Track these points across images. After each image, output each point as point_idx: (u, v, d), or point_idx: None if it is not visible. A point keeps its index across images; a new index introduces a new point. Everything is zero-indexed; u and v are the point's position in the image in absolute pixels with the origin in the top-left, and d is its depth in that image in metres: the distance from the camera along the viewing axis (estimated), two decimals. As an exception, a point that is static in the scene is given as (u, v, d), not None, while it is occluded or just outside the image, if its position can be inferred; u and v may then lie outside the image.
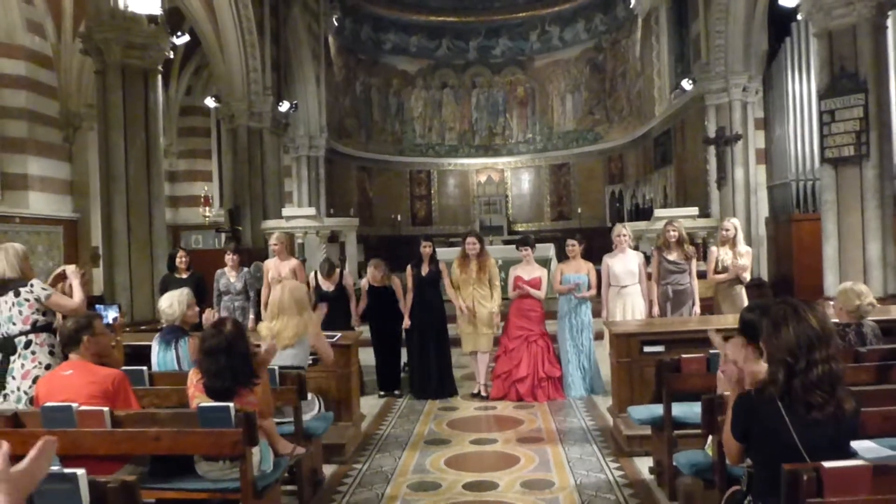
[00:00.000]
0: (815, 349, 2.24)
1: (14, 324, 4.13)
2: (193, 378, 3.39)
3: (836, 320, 4.25)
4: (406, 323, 7.24)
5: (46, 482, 2.11)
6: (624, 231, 7.16)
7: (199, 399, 3.29)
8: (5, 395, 4.11)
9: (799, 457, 2.22)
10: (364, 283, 7.61)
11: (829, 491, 2.08)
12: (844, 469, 2.11)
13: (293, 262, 7.53)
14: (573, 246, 7.25)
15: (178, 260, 7.47)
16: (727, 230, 6.89)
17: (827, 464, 2.11)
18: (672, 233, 6.80)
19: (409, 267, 7.34)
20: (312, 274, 7.48)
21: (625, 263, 6.96)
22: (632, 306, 6.91)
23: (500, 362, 7.12)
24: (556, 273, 7.39)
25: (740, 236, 6.96)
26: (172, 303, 4.34)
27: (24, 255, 4.24)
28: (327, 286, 7.27)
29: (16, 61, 12.45)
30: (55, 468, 2.19)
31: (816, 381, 2.23)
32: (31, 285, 4.16)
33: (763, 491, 2.27)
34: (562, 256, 8.24)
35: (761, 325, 2.48)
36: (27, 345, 4.14)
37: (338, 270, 7.47)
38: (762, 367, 2.54)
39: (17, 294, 4.12)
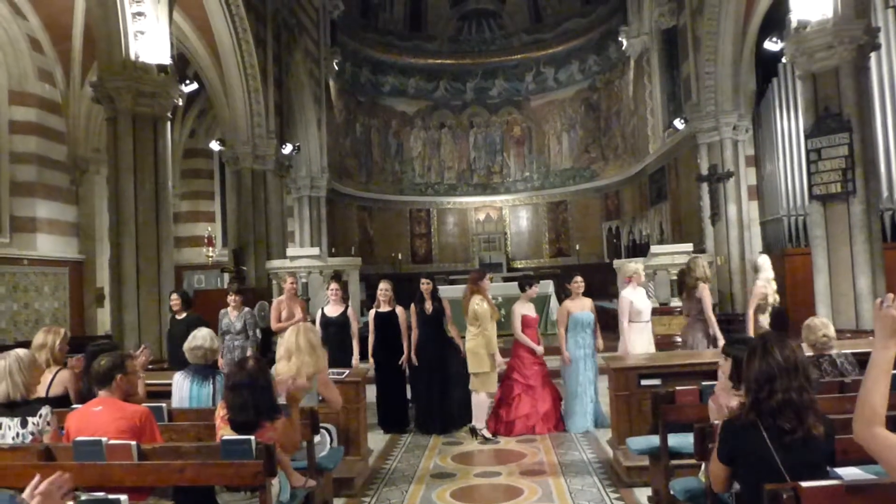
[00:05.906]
0: (776, 380, 2.50)
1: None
2: (220, 412, 3.60)
3: (810, 353, 4.50)
4: (413, 360, 7.23)
5: (92, 508, 2.31)
6: (640, 268, 7.42)
7: (223, 432, 3.49)
8: None
9: (780, 477, 2.44)
10: (371, 314, 7.57)
11: (807, 508, 2.28)
12: (820, 488, 2.31)
13: (300, 301, 7.78)
14: (579, 283, 7.36)
15: (171, 302, 7.72)
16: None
17: (804, 483, 2.32)
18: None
19: (412, 305, 7.44)
20: (319, 311, 7.65)
21: (644, 299, 7.24)
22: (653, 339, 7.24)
23: (503, 398, 7.17)
24: (563, 310, 7.45)
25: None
26: (213, 342, 4.58)
27: (29, 364, 3.70)
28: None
29: (27, 108, 12.86)
30: (99, 494, 2.39)
31: (777, 409, 2.48)
32: (40, 415, 3.61)
33: (748, 510, 2.48)
34: (560, 293, 8.37)
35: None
36: None
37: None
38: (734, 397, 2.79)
39: (24, 424, 3.57)
